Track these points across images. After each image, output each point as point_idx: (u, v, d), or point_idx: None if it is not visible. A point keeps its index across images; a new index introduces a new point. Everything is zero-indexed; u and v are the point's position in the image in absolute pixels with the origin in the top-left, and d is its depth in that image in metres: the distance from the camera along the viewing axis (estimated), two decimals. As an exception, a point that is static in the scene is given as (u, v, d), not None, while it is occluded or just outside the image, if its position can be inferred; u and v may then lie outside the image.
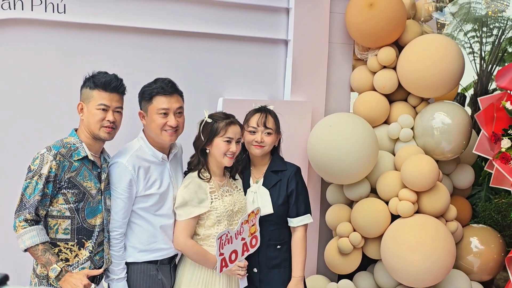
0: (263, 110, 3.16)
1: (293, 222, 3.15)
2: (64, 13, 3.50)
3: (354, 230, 4.18)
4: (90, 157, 2.69)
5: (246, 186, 3.19)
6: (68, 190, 2.60)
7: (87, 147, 2.69)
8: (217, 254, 2.77)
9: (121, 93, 2.75)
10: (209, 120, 2.98)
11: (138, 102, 2.88)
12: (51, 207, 2.59)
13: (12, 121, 3.49)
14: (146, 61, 3.76)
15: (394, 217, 4.11)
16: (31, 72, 3.50)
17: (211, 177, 3.00)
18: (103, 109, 2.66)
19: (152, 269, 2.91)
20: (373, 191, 4.30)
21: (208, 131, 2.96)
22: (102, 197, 2.75)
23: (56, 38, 3.54)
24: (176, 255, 3.06)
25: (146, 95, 2.82)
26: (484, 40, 7.34)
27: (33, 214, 2.51)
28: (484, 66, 7.33)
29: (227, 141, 2.93)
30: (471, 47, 7.49)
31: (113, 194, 2.80)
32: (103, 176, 2.77)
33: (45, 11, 3.45)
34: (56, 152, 2.58)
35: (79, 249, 2.66)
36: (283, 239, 3.16)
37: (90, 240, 2.69)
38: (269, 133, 3.11)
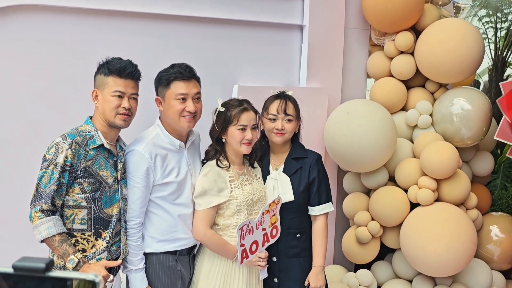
0: (283, 96, 3.07)
1: (314, 210, 3.07)
2: (78, -2, 3.43)
3: (373, 219, 4.11)
4: (106, 145, 2.61)
5: (265, 173, 3.11)
6: (84, 179, 2.53)
7: (102, 135, 2.62)
8: (238, 245, 2.70)
9: (136, 79, 2.67)
10: (222, 109, 2.90)
11: (155, 88, 2.81)
12: (67, 196, 2.52)
13: (24, 108, 3.43)
14: (159, 48, 3.69)
15: (413, 206, 4.03)
16: (43, 59, 3.44)
17: (230, 165, 2.92)
18: (118, 96, 2.58)
19: (171, 260, 2.83)
20: (391, 179, 4.22)
21: (222, 120, 2.89)
22: (119, 186, 2.68)
23: (68, 24, 3.47)
24: (195, 246, 2.99)
25: (163, 80, 2.75)
26: (498, 26, 7.23)
27: (49, 204, 2.44)
28: (499, 52, 7.21)
29: (241, 129, 2.86)
30: (485, 32, 7.38)
31: (130, 183, 2.73)
32: (119, 165, 2.70)
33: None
34: (71, 140, 2.50)
35: (96, 240, 2.59)
36: (303, 227, 3.09)
37: (107, 230, 2.62)
38: (289, 120, 3.02)
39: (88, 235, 2.57)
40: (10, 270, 0.81)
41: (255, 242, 2.81)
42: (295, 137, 3.17)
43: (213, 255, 2.92)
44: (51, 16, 3.43)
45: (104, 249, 2.62)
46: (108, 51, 3.50)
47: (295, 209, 3.04)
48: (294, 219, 3.06)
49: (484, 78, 7.90)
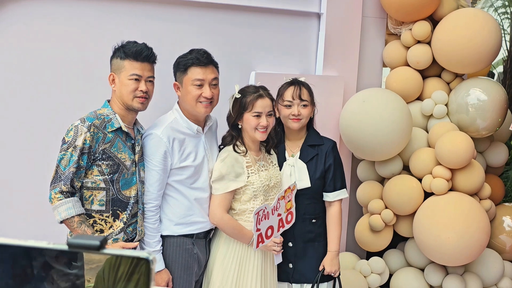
0: (297, 83, 3.11)
1: (329, 196, 3.12)
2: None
3: (386, 208, 4.13)
4: (124, 128, 2.64)
5: (281, 159, 3.14)
6: (102, 161, 2.57)
7: (120, 119, 2.65)
8: (254, 230, 2.74)
9: (152, 62, 2.70)
10: (238, 95, 2.94)
11: (173, 73, 2.84)
12: (86, 178, 2.56)
13: (42, 93, 3.46)
14: (176, 34, 3.70)
15: (427, 195, 4.04)
16: (59, 45, 3.47)
17: (246, 151, 2.96)
18: (136, 79, 2.61)
19: (188, 243, 2.88)
20: (405, 168, 4.23)
21: (238, 106, 2.92)
22: (137, 168, 2.71)
23: (84, 10, 3.49)
24: (212, 229, 3.03)
25: (181, 66, 2.78)
26: (514, 17, 7.18)
27: (69, 186, 2.48)
28: (514, 43, 7.17)
29: (256, 115, 2.88)
30: (501, 24, 7.33)
31: (148, 165, 2.77)
32: (137, 147, 2.73)
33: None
34: (90, 123, 2.53)
35: (114, 221, 2.64)
36: (318, 213, 3.14)
37: (125, 212, 2.66)
38: (305, 105, 3.06)
39: (106, 216, 2.62)
40: (65, 247, 0.83)
41: (271, 227, 2.84)
42: (310, 123, 3.20)
43: (228, 239, 2.95)
44: (66, 2, 3.45)
45: (120, 230, 2.65)
46: (124, 37, 3.54)
47: (311, 195, 3.08)
48: (310, 205, 3.10)
49: (499, 69, 7.87)
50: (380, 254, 4.37)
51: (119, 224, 2.65)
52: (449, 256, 3.84)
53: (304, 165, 3.08)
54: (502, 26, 7.32)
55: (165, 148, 2.74)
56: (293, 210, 2.98)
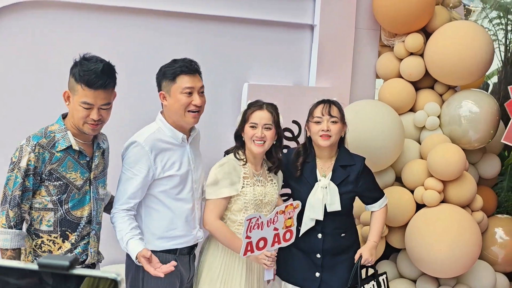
0: (327, 101, 3.14)
1: (374, 207, 3.26)
2: (90, -5, 3.46)
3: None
4: (75, 147, 2.49)
5: (312, 179, 3.12)
6: (49, 182, 2.44)
7: (72, 136, 2.50)
8: (243, 236, 2.71)
9: (111, 88, 2.50)
10: (245, 108, 3.00)
11: (157, 83, 2.80)
12: (34, 199, 2.46)
13: (36, 102, 3.47)
14: (169, 46, 3.70)
15: (419, 206, 4.06)
16: (55, 54, 3.47)
17: (246, 161, 2.99)
18: (87, 108, 2.43)
19: (170, 259, 2.78)
20: (398, 180, 4.25)
21: (241, 118, 2.99)
22: (92, 187, 2.57)
23: (78, 20, 3.50)
24: (196, 245, 3.00)
25: (169, 74, 2.73)
26: (509, 28, 7.22)
27: (16, 211, 2.40)
28: (509, 54, 7.21)
29: (252, 126, 2.92)
30: (495, 34, 7.38)
31: (127, 174, 2.70)
32: (95, 162, 2.60)
33: (71, -7, 3.42)
34: (35, 143, 2.41)
35: (63, 242, 2.52)
36: (347, 227, 3.19)
37: (75, 233, 2.53)
38: (334, 122, 3.06)
39: (54, 237, 2.51)
40: (35, 267, 0.84)
41: (264, 239, 2.79)
42: (341, 142, 3.21)
43: (216, 250, 2.97)
44: (61, 11, 3.46)
45: (68, 251, 2.54)
46: (118, 47, 3.57)
47: (340, 213, 3.09)
48: (339, 220, 3.12)
49: (494, 80, 7.91)
50: (372, 265, 4.36)
51: (68, 245, 2.54)
52: (441, 268, 3.85)
53: (336, 189, 3.08)
54: (497, 36, 7.37)
55: (147, 157, 2.69)
56: (293, 229, 2.91)
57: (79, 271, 0.84)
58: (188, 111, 2.75)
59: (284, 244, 2.91)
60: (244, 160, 2.98)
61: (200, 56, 3.71)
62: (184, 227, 2.85)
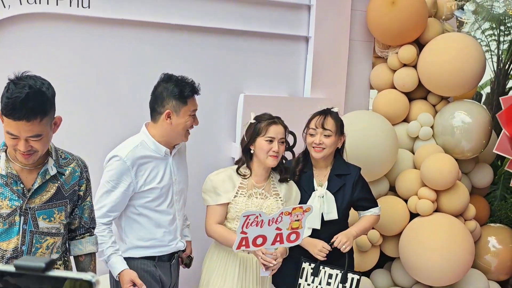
0: (323, 112, 3.19)
1: (367, 213, 3.30)
2: (89, 8, 3.51)
3: (373, 228, 4.18)
4: (2, 171, 2.19)
5: (310, 187, 3.18)
6: None
7: (9, 159, 2.21)
8: (238, 231, 2.73)
9: (37, 119, 2.07)
10: (253, 121, 3.01)
11: (160, 98, 2.75)
12: None
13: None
14: (165, 58, 3.75)
15: (413, 216, 4.11)
16: (56, 67, 3.51)
17: (249, 175, 3.02)
18: (13, 138, 2.10)
19: (149, 265, 2.86)
20: (392, 189, 4.30)
21: (251, 131, 2.99)
22: (23, 218, 2.21)
23: (80, 32, 3.55)
24: (177, 252, 3.00)
25: (182, 95, 2.73)
26: (501, 39, 7.30)
27: None
28: (501, 65, 7.29)
29: (269, 140, 2.94)
30: (488, 45, 7.45)
31: (107, 186, 2.72)
32: (37, 190, 2.24)
33: (70, 6, 3.46)
34: None
35: None
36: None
37: None
38: (327, 135, 3.12)
39: None
40: (12, 268, 0.88)
41: (263, 236, 2.79)
42: (338, 152, 3.26)
43: (213, 251, 3.06)
44: (63, 24, 3.50)
45: None
46: (118, 60, 3.62)
47: (336, 221, 3.15)
48: (335, 228, 3.17)
49: (486, 90, 7.98)
50: (367, 273, 4.41)
51: None
52: (434, 276, 3.90)
53: (333, 198, 3.15)
54: (489, 47, 7.45)
55: (127, 172, 2.71)
56: (301, 232, 2.86)
57: (54, 273, 0.87)
58: (187, 130, 2.82)
59: (287, 245, 2.92)
60: (247, 174, 3.01)
61: (197, 67, 3.81)
62: (163, 238, 2.87)
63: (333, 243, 3.10)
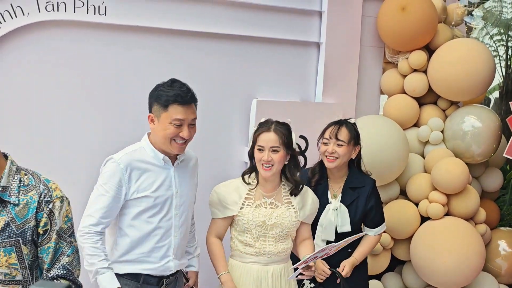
0: (338, 123, 3.18)
1: (371, 231, 3.28)
2: (105, 15, 3.57)
3: (384, 231, 4.22)
4: None
5: (324, 199, 3.18)
6: None
7: None
8: (294, 275, 2.80)
9: None
10: (255, 128, 2.92)
11: (150, 102, 2.65)
12: None
13: (50, 120, 3.56)
14: (181, 63, 3.80)
15: (424, 219, 4.15)
16: (72, 73, 3.58)
17: (256, 184, 2.91)
18: None
19: (132, 286, 2.65)
20: (403, 193, 4.34)
21: (252, 140, 2.90)
22: None
23: (96, 39, 3.61)
24: (168, 277, 2.75)
25: (162, 100, 2.55)
26: (509, 44, 7.34)
27: None
28: (510, 70, 7.32)
29: (259, 149, 2.82)
30: (496, 50, 7.49)
31: (99, 190, 2.57)
32: (9, 209, 1.90)
33: (87, 13, 3.53)
34: None
35: None
36: (354, 244, 3.23)
37: None
38: (340, 145, 3.11)
39: None
40: None
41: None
42: (352, 163, 3.27)
43: (232, 259, 2.96)
44: (80, 31, 3.56)
45: None
46: (132, 66, 3.68)
47: (349, 234, 3.13)
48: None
49: (495, 95, 8.01)
50: (378, 277, 4.45)
51: None
52: (444, 280, 3.95)
53: (346, 210, 3.17)
54: (498, 52, 7.48)
55: (120, 175, 2.56)
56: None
57: None
58: (174, 140, 2.59)
59: (319, 254, 2.86)
60: (254, 184, 2.90)
61: (211, 73, 3.88)
62: (150, 253, 2.65)
63: (335, 268, 3.11)
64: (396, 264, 4.53)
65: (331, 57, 4.29)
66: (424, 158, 4.36)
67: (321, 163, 3.26)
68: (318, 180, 3.21)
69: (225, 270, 2.85)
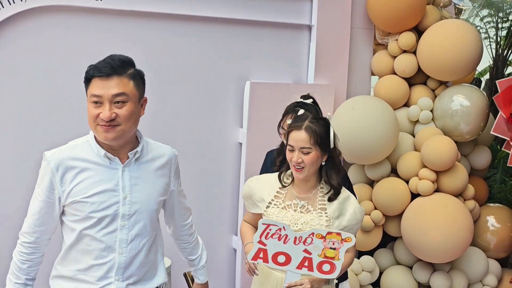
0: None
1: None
2: (101, 0, 3.64)
3: (375, 208, 4.34)
4: None
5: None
6: None
7: None
8: (255, 239, 2.40)
9: None
10: (289, 121, 2.64)
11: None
12: None
13: (49, 107, 3.61)
14: (174, 47, 3.86)
15: (414, 196, 4.26)
16: (67, 59, 3.62)
17: (290, 183, 2.64)
18: None
19: None
20: (393, 171, 4.45)
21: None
22: None
23: (92, 24, 3.67)
24: None
25: (86, 75, 2.11)
26: (500, 26, 7.43)
27: None
28: (500, 51, 7.42)
29: (289, 149, 2.53)
30: (487, 32, 7.58)
31: (34, 193, 2.18)
32: None
33: (84, -3, 3.59)
34: None
35: None
36: None
37: None
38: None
39: None
40: None
41: (285, 255, 2.40)
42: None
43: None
44: (75, 16, 3.59)
45: None
46: (128, 50, 3.71)
47: None
48: None
49: (486, 77, 8.11)
50: (370, 253, 4.57)
51: None
52: (435, 254, 4.06)
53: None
54: (488, 34, 7.57)
55: (51, 176, 2.10)
56: (337, 264, 2.37)
57: None
58: (98, 124, 2.07)
59: (318, 275, 2.39)
60: (288, 182, 2.63)
61: (204, 56, 3.96)
62: (88, 271, 2.18)
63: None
64: (388, 241, 4.64)
65: (322, 39, 4.38)
66: (414, 137, 4.46)
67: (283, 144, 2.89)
68: (283, 160, 2.74)
69: (249, 241, 2.63)
